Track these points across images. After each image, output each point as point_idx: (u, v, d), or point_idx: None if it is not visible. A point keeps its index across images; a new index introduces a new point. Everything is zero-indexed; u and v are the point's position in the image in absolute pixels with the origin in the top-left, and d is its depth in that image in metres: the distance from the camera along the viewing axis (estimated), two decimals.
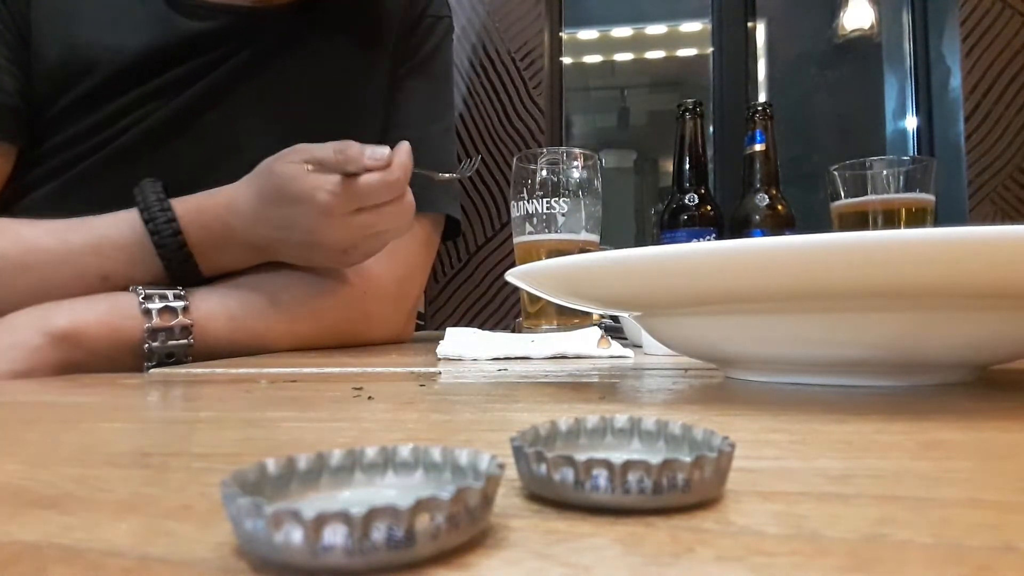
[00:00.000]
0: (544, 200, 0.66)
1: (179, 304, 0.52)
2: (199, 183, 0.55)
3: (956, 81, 1.21)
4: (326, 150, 0.51)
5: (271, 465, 0.12)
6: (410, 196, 0.55)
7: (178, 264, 0.54)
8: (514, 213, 0.69)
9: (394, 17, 0.72)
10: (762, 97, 1.54)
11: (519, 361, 0.46)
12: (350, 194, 0.51)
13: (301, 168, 0.51)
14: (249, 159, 0.55)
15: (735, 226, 0.84)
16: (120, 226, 0.53)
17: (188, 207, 0.54)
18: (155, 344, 0.50)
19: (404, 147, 0.53)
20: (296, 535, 0.09)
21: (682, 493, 0.12)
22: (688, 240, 0.81)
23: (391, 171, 0.52)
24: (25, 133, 0.61)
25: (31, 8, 0.60)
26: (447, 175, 0.61)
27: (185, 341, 0.51)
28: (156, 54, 0.61)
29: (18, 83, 0.59)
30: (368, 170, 0.51)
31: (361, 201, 0.52)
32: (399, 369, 0.42)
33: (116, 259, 0.53)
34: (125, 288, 0.53)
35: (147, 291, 0.51)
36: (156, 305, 0.51)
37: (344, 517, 0.09)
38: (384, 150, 0.51)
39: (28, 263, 0.52)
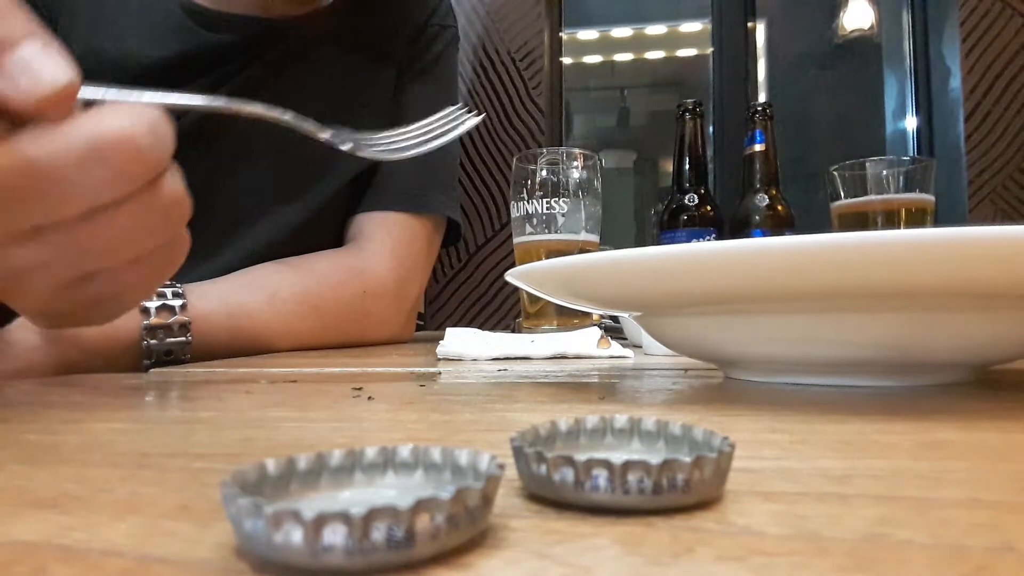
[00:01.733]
0: (544, 200, 0.66)
1: (177, 302, 0.52)
2: (213, 191, 0.56)
3: (956, 81, 1.21)
4: None
5: (271, 465, 0.12)
6: (177, 206, 0.28)
7: None
8: (514, 213, 0.69)
9: (401, 25, 0.74)
10: (762, 97, 1.54)
11: (519, 361, 0.46)
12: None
13: None
14: (260, 167, 0.55)
15: (735, 226, 0.84)
16: None
17: None
18: (153, 342, 0.50)
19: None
20: (296, 535, 0.09)
21: (682, 493, 0.12)
22: (688, 240, 0.81)
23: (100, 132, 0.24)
24: None
25: (58, 17, 0.61)
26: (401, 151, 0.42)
27: (183, 339, 0.51)
28: (177, 65, 0.61)
29: None
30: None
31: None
32: (399, 369, 0.42)
33: None
34: None
35: None
36: (153, 303, 0.51)
37: (344, 517, 0.09)
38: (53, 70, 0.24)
39: None
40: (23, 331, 0.48)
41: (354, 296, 0.63)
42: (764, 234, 0.81)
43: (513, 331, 0.70)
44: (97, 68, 0.59)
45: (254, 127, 0.63)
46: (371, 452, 0.13)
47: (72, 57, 0.25)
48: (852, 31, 1.70)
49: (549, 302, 0.65)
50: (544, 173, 0.67)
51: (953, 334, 0.25)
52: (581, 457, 0.12)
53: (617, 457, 0.11)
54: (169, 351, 0.51)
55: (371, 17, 0.71)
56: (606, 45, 2.31)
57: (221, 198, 0.55)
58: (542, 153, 0.68)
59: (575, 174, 0.67)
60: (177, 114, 0.63)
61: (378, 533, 0.09)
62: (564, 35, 1.34)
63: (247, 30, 0.64)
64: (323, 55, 0.68)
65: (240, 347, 0.55)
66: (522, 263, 0.43)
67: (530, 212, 0.66)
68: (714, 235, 0.82)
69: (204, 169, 0.61)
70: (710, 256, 0.24)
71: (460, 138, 1.25)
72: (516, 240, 0.69)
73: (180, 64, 0.62)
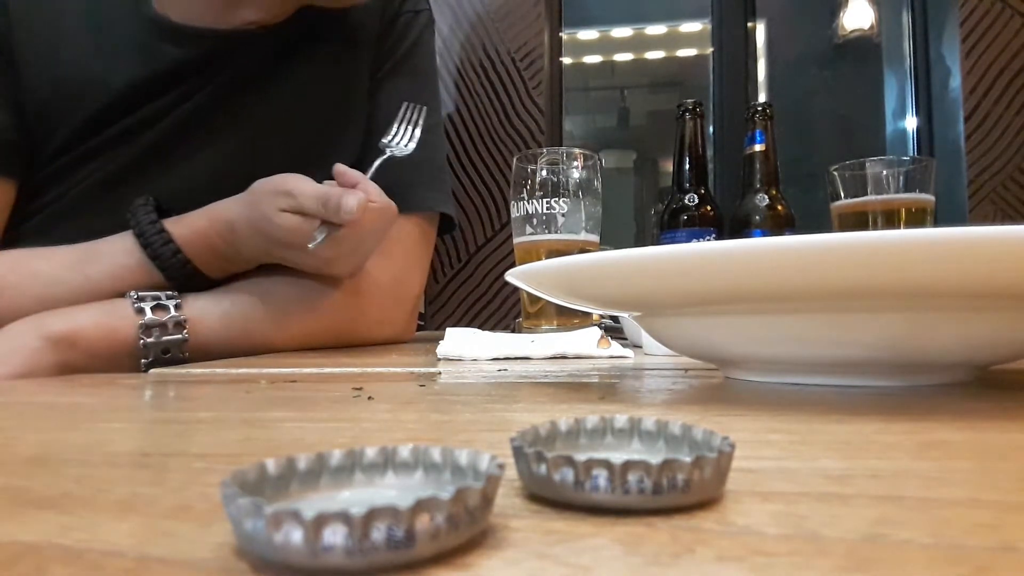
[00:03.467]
0: (544, 200, 0.66)
1: (172, 302, 0.52)
2: (190, 203, 0.56)
3: (956, 81, 1.21)
4: (311, 200, 0.51)
5: (271, 465, 0.12)
6: (389, 204, 0.55)
7: (185, 279, 0.55)
8: (514, 213, 0.69)
9: (372, 18, 0.72)
10: (762, 97, 1.54)
11: (519, 361, 0.46)
12: (344, 247, 0.54)
13: (293, 220, 0.51)
14: (235, 177, 0.56)
15: (735, 226, 0.84)
16: (133, 252, 0.54)
17: (185, 230, 0.54)
18: (150, 340, 0.50)
19: (367, 182, 0.54)
20: (296, 535, 0.09)
21: (682, 493, 0.12)
22: (688, 240, 0.81)
23: (378, 218, 0.54)
24: (23, 167, 0.60)
25: (13, 42, 0.60)
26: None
27: (180, 336, 0.51)
28: (144, 84, 0.61)
29: (12, 117, 0.59)
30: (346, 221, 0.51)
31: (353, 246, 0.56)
32: (399, 369, 0.42)
33: (133, 284, 0.54)
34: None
35: (140, 293, 0.52)
36: (148, 303, 0.51)
37: (344, 517, 0.09)
38: (354, 200, 0.50)
39: (49, 296, 0.53)
40: (25, 334, 0.49)
41: (349, 296, 0.62)
42: (764, 234, 0.81)
43: (513, 331, 0.70)
44: (64, 101, 0.59)
45: (226, 141, 0.63)
46: (371, 452, 0.13)
47: (38, 94, 0.58)
48: (852, 31, 1.70)
49: (549, 302, 0.65)
50: (544, 173, 0.67)
51: (953, 334, 0.25)
52: (581, 457, 0.12)
53: (617, 457, 0.11)
54: (167, 349, 0.51)
55: (342, 17, 0.69)
56: (606, 45, 2.30)
57: (218, 197, 0.55)
58: (542, 153, 0.68)
59: (575, 174, 0.67)
60: (166, 110, 0.63)
61: (378, 533, 0.09)
62: (564, 35, 1.34)
63: (212, 43, 0.63)
64: (294, 63, 0.66)
65: (237, 346, 0.55)
66: (522, 263, 0.43)
67: (530, 212, 0.66)
68: (714, 235, 0.82)
69: (178, 185, 0.61)
70: (710, 256, 0.24)
71: (457, 135, 1.26)
72: (516, 240, 0.69)
73: (146, 85, 0.61)
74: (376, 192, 0.54)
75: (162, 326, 0.51)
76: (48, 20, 0.61)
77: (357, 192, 0.51)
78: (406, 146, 0.62)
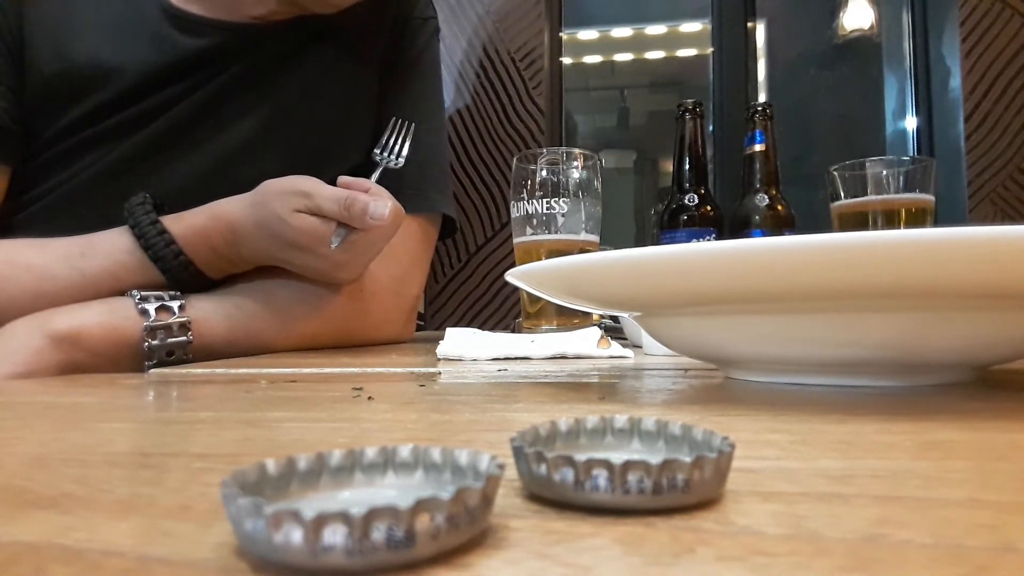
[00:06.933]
0: (544, 200, 0.66)
1: (175, 303, 0.52)
2: (193, 195, 0.56)
3: (956, 81, 1.21)
4: (330, 203, 0.51)
5: (271, 465, 0.12)
6: (400, 209, 0.55)
7: (187, 281, 0.55)
8: (514, 214, 0.69)
9: (382, 22, 0.73)
10: (762, 97, 1.54)
11: (519, 361, 0.46)
12: (355, 250, 0.55)
13: (309, 221, 0.51)
14: (242, 170, 0.56)
15: (735, 226, 0.84)
16: (133, 251, 0.54)
17: (186, 229, 0.54)
18: (154, 343, 0.50)
19: (378, 188, 0.55)
20: (296, 535, 0.09)
21: (682, 493, 0.12)
22: (688, 240, 0.81)
23: (391, 223, 0.53)
24: (18, 154, 0.61)
25: (24, 25, 0.60)
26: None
27: (184, 338, 0.51)
28: (156, 74, 0.61)
29: (10, 105, 0.60)
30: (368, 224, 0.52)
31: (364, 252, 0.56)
32: (399, 369, 0.42)
33: (132, 283, 0.54)
34: None
35: (143, 293, 0.52)
36: (152, 305, 0.51)
37: (344, 517, 0.09)
38: (385, 207, 0.51)
39: (43, 290, 0.52)
40: (28, 333, 0.49)
41: (352, 296, 0.63)
42: (764, 234, 0.81)
43: (513, 331, 0.70)
44: (75, 87, 0.60)
45: (234, 133, 0.63)
46: (371, 452, 0.13)
47: (48, 79, 0.59)
48: (852, 31, 1.70)
49: (549, 302, 0.65)
50: (544, 173, 0.67)
51: (953, 334, 0.25)
52: (581, 457, 0.12)
53: (617, 457, 0.11)
54: (171, 351, 0.51)
55: (352, 18, 0.69)
56: (606, 45, 2.30)
57: (222, 190, 0.55)
58: (542, 153, 0.68)
59: (575, 174, 0.67)
60: (176, 99, 0.63)
61: (378, 533, 0.09)
62: (564, 35, 1.34)
63: (226, 35, 0.63)
64: (304, 58, 0.67)
65: (241, 347, 0.55)
66: (522, 263, 0.43)
67: (530, 212, 0.66)
68: (714, 235, 0.82)
69: (184, 175, 0.61)
70: (710, 256, 0.24)
71: (457, 135, 1.28)
72: (516, 240, 0.69)
73: (159, 75, 0.61)
74: (387, 197, 0.54)
75: (167, 328, 0.51)
76: (62, 6, 0.61)
77: (384, 198, 0.52)
78: (397, 159, 0.63)
